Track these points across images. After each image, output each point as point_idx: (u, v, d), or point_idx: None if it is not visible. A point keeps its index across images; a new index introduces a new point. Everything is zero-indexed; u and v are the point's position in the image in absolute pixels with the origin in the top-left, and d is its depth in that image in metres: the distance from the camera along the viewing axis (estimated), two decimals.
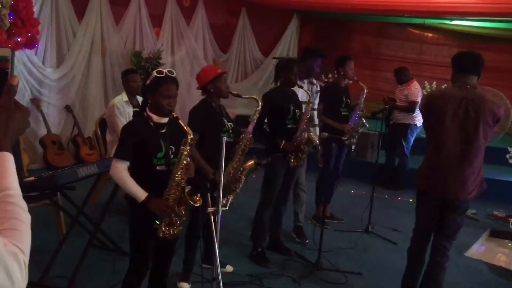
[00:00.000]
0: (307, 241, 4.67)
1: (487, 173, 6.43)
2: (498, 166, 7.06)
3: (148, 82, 2.73)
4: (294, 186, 4.62)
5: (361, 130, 5.21)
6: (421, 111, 3.61)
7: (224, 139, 2.79)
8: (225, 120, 3.53)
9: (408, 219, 3.67)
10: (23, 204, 0.99)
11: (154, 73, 2.70)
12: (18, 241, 0.93)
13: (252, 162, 3.50)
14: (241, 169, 3.48)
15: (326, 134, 4.31)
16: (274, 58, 9.49)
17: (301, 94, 4.47)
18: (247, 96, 3.89)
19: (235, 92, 3.70)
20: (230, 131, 3.51)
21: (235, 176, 3.46)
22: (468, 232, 5.29)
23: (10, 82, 1.08)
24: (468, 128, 3.17)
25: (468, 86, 3.21)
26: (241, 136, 3.52)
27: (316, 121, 5.03)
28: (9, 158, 1.02)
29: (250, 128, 3.55)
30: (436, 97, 3.46)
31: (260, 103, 3.61)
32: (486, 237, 5.34)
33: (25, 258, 0.92)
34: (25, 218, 0.98)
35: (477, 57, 3.30)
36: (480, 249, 5.04)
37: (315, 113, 4.98)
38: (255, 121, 3.58)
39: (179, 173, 2.66)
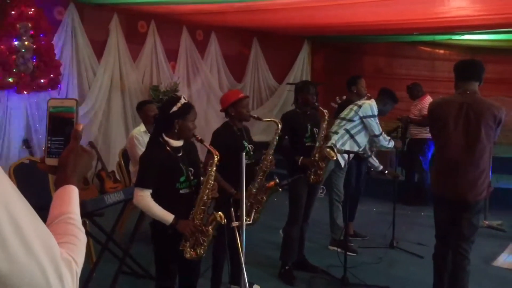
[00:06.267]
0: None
1: (510, 184, 6.50)
2: None
3: (176, 109, 2.79)
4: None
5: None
6: (428, 119, 3.70)
7: (244, 155, 2.88)
8: (246, 143, 3.62)
9: (433, 233, 3.67)
10: (81, 227, 1.12)
11: (183, 100, 2.82)
12: (73, 253, 1.02)
13: (273, 183, 3.60)
14: (263, 190, 3.58)
15: (342, 149, 4.38)
16: (288, 84, 9.66)
17: None
18: (267, 119, 4.03)
19: (256, 116, 3.81)
20: (251, 152, 3.60)
21: (256, 197, 3.56)
22: (494, 243, 5.26)
23: (77, 128, 1.25)
24: (471, 131, 3.27)
25: (468, 92, 3.33)
26: (261, 158, 3.63)
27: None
28: (75, 190, 1.18)
29: (271, 150, 3.65)
30: (438, 104, 3.56)
31: (279, 125, 3.73)
32: None
33: (77, 268, 1.00)
34: (81, 237, 1.10)
35: (476, 64, 3.42)
36: (509, 259, 4.97)
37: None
38: (275, 143, 3.69)
39: (206, 192, 2.77)
